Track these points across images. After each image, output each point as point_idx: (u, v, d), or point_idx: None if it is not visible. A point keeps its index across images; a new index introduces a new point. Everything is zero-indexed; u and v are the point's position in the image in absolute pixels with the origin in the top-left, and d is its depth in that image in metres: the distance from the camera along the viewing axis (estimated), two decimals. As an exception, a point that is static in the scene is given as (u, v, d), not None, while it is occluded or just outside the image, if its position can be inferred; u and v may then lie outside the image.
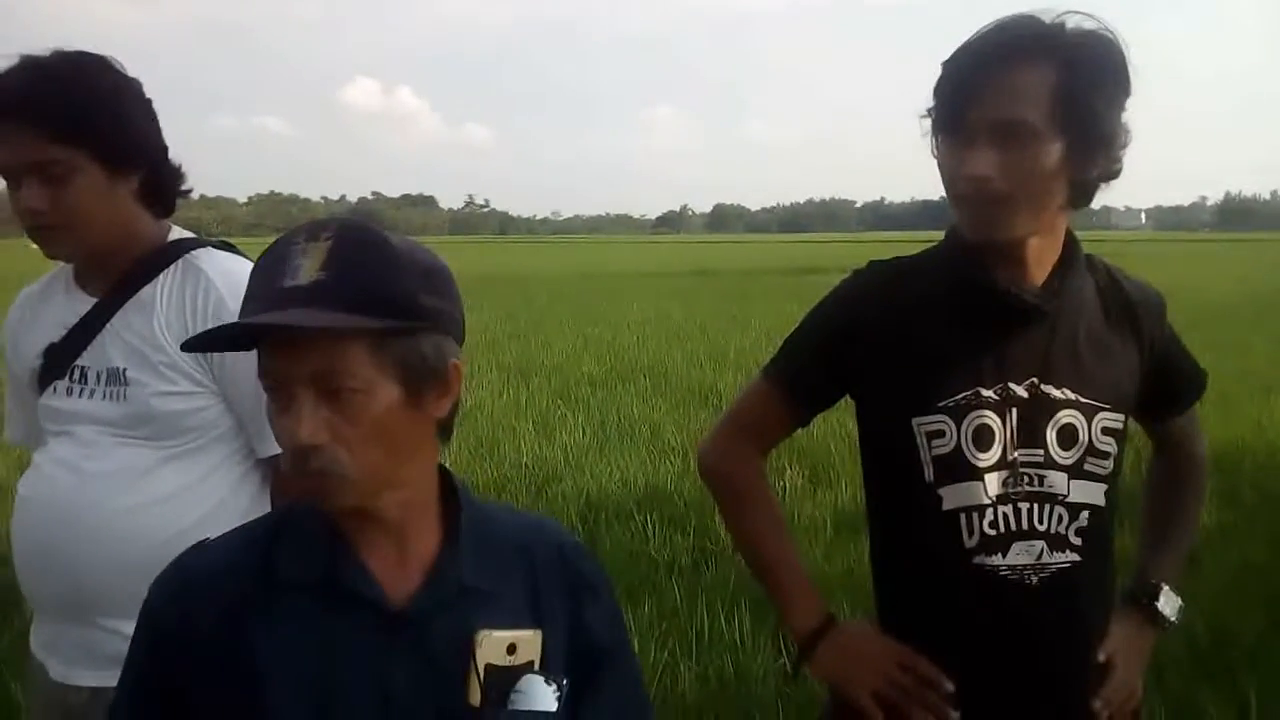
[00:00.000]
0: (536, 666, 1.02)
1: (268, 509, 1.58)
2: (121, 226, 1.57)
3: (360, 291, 0.92)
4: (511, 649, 1.01)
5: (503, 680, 0.99)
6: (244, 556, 1.01)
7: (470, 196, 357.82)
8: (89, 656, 1.54)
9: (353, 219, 0.97)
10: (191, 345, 0.98)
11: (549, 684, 1.00)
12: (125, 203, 1.57)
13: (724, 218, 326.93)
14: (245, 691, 0.96)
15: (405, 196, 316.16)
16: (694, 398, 8.75)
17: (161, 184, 1.62)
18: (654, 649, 3.60)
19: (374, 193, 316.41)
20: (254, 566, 1.00)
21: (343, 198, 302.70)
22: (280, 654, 0.97)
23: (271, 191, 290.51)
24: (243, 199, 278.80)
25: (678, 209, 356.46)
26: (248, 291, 0.98)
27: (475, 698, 0.99)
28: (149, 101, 1.60)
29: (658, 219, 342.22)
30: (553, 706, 1.00)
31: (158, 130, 1.61)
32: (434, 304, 0.98)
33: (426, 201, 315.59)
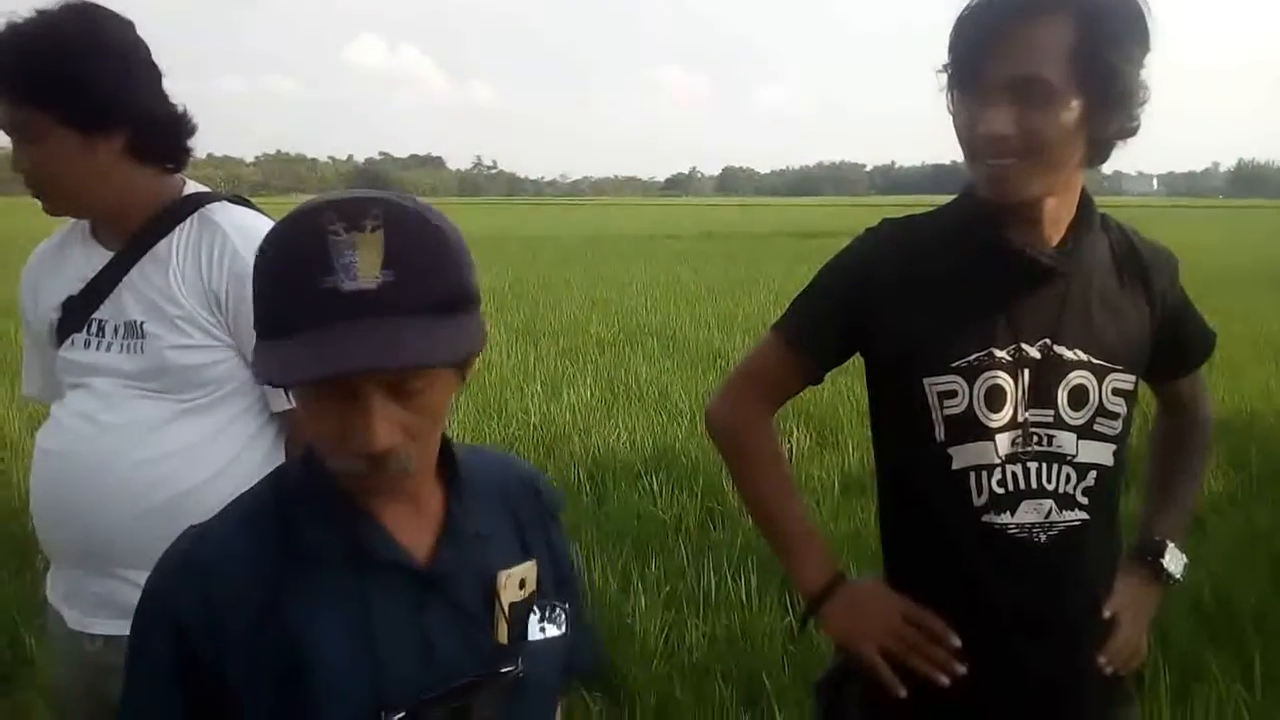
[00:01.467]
0: (537, 596, 1.07)
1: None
2: (111, 185, 1.56)
3: (433, 295, 0.88)
4: (522, 583, 1.05)
5: (520, 614, 1.05)
6: (257, 533, 0.99)
7: (478, 157, 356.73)
8: (107, 606, 1.56)
9: (391, 198, 0.89)
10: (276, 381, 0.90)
11: (555, 609, 1.08)
12: (110, 162, 1.54)
13: (733, 180, 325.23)
14: (289, 661, 0.95)
15: (413, 157, 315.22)
16: (702, 360, 8.75)
17: (156, 140, 1.59)
18: (661, 608, 3.64)
19: (381, 153, 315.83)
20: (271, 542, 0.98)
21: (350, 158, 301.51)
22: (319, 620, 0.96)
23: (279, 151, 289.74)
24: (250, 159, 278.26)
25: (686, 171, 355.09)
26: (282, 285, 0.86)
27: (503, 635, 1.03)
28: (137, 53, 1.55)
29: (666, 181, 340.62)
30: (563, 629, 1.08)
31: (149, 84, 1.57)
32: (477, 282, 0.95)
33: (434, 162, 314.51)
